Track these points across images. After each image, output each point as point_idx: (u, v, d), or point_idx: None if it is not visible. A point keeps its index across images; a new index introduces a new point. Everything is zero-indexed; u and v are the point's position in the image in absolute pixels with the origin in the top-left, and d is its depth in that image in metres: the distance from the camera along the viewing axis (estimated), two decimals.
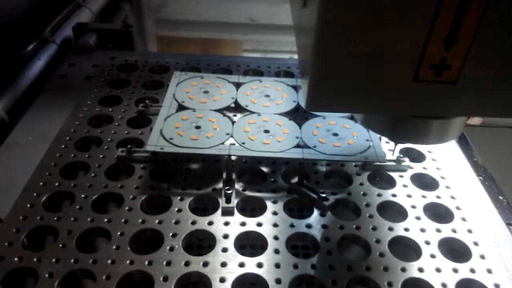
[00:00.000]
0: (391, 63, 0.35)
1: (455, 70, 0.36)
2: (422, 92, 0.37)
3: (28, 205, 0.50)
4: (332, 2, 0.32)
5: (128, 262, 0.45)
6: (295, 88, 0.68)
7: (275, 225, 0.50)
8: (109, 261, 0.45)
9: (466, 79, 0.36)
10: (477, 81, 0.36)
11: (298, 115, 0.63)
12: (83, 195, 0.52)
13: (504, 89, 0.37)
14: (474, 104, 0.38)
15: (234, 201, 0.52)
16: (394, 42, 0.34)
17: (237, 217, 0.51)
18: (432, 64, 0.35)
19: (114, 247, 0.46)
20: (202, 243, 0.50)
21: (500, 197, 0.59)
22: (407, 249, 0.49)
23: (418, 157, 0.61)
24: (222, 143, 0.56)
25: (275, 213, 0.51)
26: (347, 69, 0.36)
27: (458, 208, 0.53)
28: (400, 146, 0.61)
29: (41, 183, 0.53)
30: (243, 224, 0.50)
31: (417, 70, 0.35)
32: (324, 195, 0.52)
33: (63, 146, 0.59)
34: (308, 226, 0.50)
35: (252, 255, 0.47)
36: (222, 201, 0.52)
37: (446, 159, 0.61)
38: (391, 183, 0.57)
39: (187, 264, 0.45)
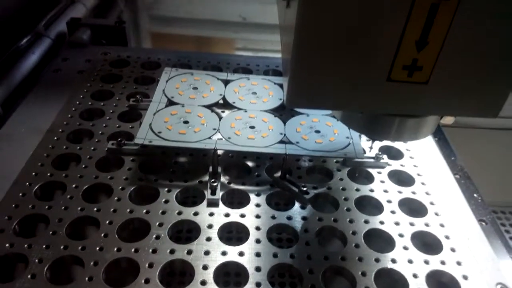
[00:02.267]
0: (365, 63, 0.37)
1: (426, 71, 0.38)
2: (395, 91, 0.39)
3: (20, 194, 0.52)
4: (311, 5, 0.35)
5: (115, 249, 0.47)
6: (282, 86, 0.70)
7: (258, 216, 0.52)
8: (97, 248, 0.47)
9: (437, 80, 0.38)
10: (448, 82, 0.39)
11: (284, 112, 0.66)
12: (74, 185, 0.54)
13: (473, 90, 0.39)
14: (445, 104, 0.41)
15: (219, 193, 0.54)
16: (369, 43, 0.36)
17: (222, 208, 0.53)
18: (405, 65, 0.38)
19: (102, 235, 0.48)
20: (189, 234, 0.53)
21: (475, 195, 0.62)
22: (381, 241, 0.52)
23: (396, 154, 0.64)
24: (209, 138, 0.58)
25: (258, 205, 0.54)
26: (324, 69, 0.38)
27: (432, 203, 0.56)
28: (379, 143, 0.63)
29: (33, 173, 0.55)
30: (227, 215, 0.52)
31: (390, 70, 0.38)
32: (305, 188, 0.55)
33: (55, 138, 0.61)
34: (289, 218, 0.53)
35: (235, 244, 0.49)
36: (207, 193, 0.54)
37: (423, 157, 0.64)
38: (370, 179, 0.59)
39: (172, 252, 0.47)
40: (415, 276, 0.47)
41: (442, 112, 0.43)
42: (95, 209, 0.51)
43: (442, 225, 0.53)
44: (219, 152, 0.59)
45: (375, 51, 0.37)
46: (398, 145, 0.65)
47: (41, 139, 0.61)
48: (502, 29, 0.36)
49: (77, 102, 0.68)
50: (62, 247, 0.47)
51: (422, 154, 0.64)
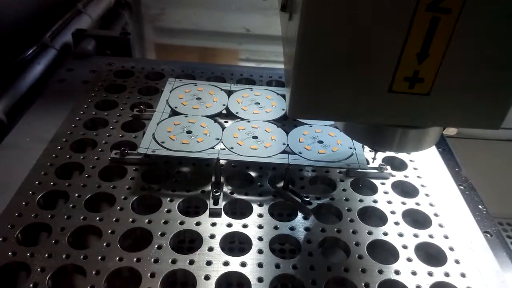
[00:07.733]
0: (367, 75, 0.38)
1: (427, 82, 0.38)
2: (397, 102, 0.39)
3: (23, 203, 0.52)
4: (313, 17, 0.35)
5: (117, 258, 0.47)
6: (285, 97, 0.70)
7: (260, 226, 0.52)
8: (99, 257, 0.47)
9: (438, 92, 0.38)
10: (449, 93, 0.39)
11: (287, 122, 0.66)
12: (76, 195, 0.54)
13: (474, 101, 0.39)
14: (447, 115, 0.40)
15: (222, 203, 0.54)
16: (370, 55, 0.37)
17: (224, 218, 0.53)
18: (406, 76, 0.38)
19: (104, 244, 0.48)
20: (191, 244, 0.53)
21: (480, 206, 0.61)
22: (385, 252, 0.51)
23: (400, 165, 0.64)
24: (212, 148, 0.58)
25: (260, 216, 0.54)
26: (326, 80, 0.38)
27: (436, 215, 0.56)
28: (382, 154, 0.63)
29: (36, 182, 0.55)
30: (229, 225, 0.52)
31: (392, 82, 0.38)
32: (307, 199, 0.55)
33: (59, 147, 0.61)
34: (292, 228, 0.52)
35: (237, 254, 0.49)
36: (210, 203, 0.54)
37: (427, 168, 0.63)
38: (373, 189, 0.59)
39: (174, 262, 0.47)
40: None
41: (444, 124, 0.43)
42: (97, 218, 0.51)
43: (446, 237, 0.53)
44: (222, 162, 0.59)
45: (376, 62, 0.37)
46: (401, 155, 0.64)
47: (44, 148, 0.61)
48: (502, 41, 0.36)
49: (81, 112, 0.68)
50: (64, 256, 0.47)
51: (426, 165, 0.64)
